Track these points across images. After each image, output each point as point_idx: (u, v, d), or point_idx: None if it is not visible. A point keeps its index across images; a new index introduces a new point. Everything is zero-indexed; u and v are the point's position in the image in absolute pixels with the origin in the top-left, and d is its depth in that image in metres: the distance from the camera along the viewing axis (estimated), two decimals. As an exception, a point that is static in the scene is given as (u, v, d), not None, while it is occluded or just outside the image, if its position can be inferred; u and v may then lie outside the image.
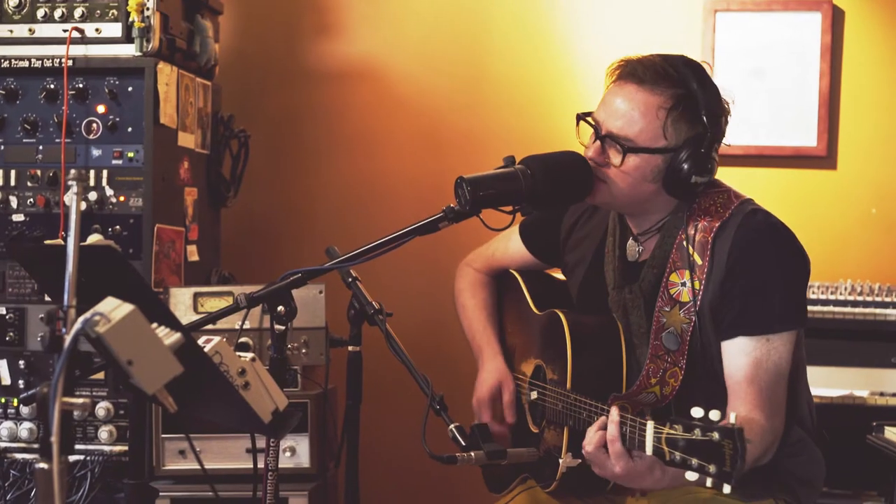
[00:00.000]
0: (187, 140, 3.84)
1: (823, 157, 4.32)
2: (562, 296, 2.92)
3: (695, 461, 2.00)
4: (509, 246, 3.07)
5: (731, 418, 1.98)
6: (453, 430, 2.41)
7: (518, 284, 3.02)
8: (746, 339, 2.50)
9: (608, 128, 2.55)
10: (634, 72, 2.55)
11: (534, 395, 2.82)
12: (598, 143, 2.57)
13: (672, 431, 2.06)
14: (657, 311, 2.58)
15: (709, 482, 1.98)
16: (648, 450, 2.13)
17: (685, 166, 2.51)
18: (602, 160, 2.57)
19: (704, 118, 2.53)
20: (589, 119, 2.62)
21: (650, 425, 2.13)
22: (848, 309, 3.87)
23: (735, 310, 2.51)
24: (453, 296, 3.19)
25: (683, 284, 2.56)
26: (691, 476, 2.01)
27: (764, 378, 2.47)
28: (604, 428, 2.31)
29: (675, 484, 2.30)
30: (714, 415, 2.00)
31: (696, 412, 2.03)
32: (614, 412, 2.30)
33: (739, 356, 2.50)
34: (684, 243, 2.57)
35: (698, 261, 2.55)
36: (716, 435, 1.97)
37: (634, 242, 2.71)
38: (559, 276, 3.04)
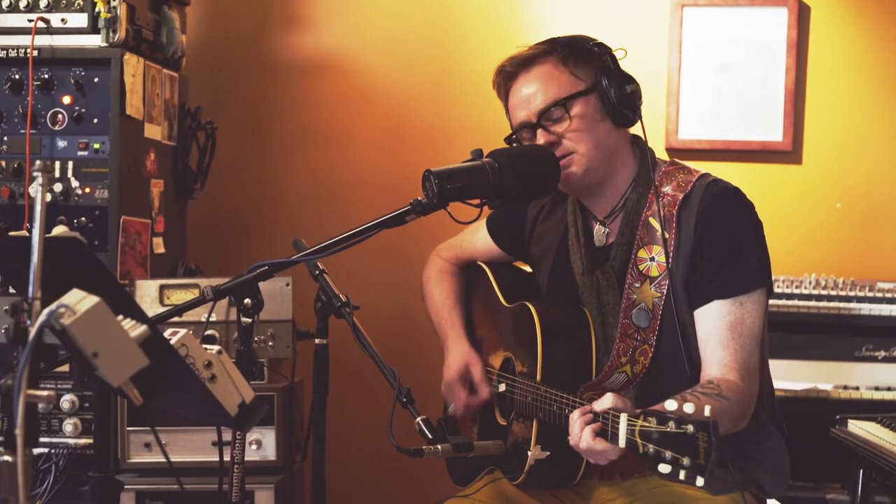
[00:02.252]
0: (154, 132, 3.82)
1: (789, 152, 4.35)
2: (530, 288, 2.93)
3: (668, 454, 2.00)
4: (476, 238, 3.08)
5: (706, 412, 1.99)
6: (420, 422, 2.41)
7: (487, 277, 3.03)
8: (721, 302, 2.53)
9: (535, 110, 2.66)
10: (515, 65, 2.72)
11: (502, 387, 2.82)
12: (539, 130, 2.67)
13: (646, 424, 2.06)
14: (627, 287, 2.61)
15: (682, 475, 1.98)
16: (621, 442, 2.14)
17: (614, 86, 2.64)
18: (554, 137, 2.64)
19: (594, 48, 2.68)
20: (520, 132, 2.72)
21: (623, 417, 2.13)
22: (812, 303, 3.89)
23: (708, 275, 2.55)
24: (420, 284, 3.19)
25: (652, 259, 2.60)
26: (664, 469, 2.01)
27: (738, 341, 2.50)
28: (588, 423, 2.29)
29: None
30: (688, 407, 2.01)
31: (671, 405, 2.04)
32: (576, 416, 2.29)
33: (714, 320, 2.53)
34: (650, 219, 2.62)
35: (665, 234, 2.58)
36: (690, 428, 1.97)
37: (601, 227, 2.74)
38: (527, 268, 3.05)
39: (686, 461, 1.97)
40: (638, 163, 2.71)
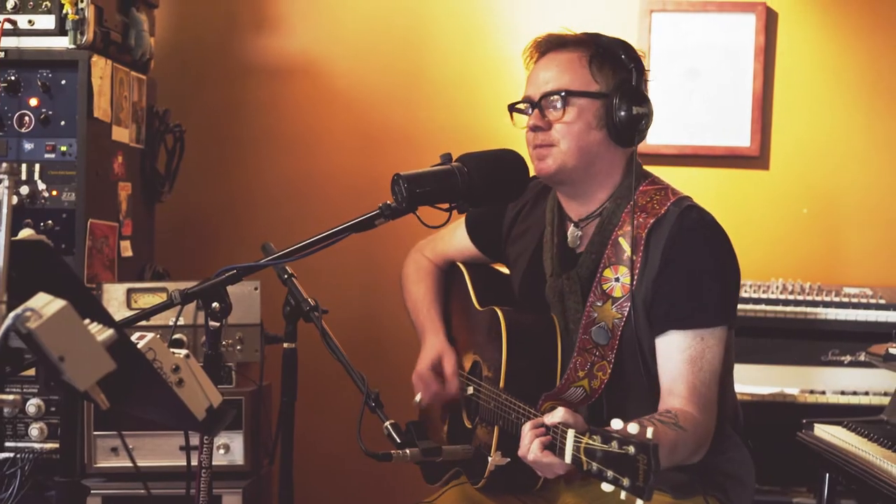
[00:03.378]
0: (121, 134, 3.80)
1: (756, 157, 4.37)
2: (505, 292, 2.94)
3: (610, 473, 2.02)
4: (455, 236, 3.09)
5: (648, 433, 2.01)
6: (388, 427, 2.41)
7: (463, 278, 3.03)
8: (681, 334, 2.53)
9: (542, 90, 2.67)
10: (548, 42, 2.73)
11: (470, 390, 2.83)
12: (535, 110, 2.68)
13: (591, 442, 2.07)
14: (589, 305, 2.61)
15: (623, 495, 2.00)
16: (567, 458, 2.15)
17: (624, 103, 2.62)
18: (544, 123, 2.66)
19: (624, 58, 2.67)
20: (519, 104, 2.74)
21: (570, 433, 2.14)
22: (779, 308, 3.92)
23: (668, 304, 2.55)
24: (399, 279, 3.19)
25: (617, 280, 2.60)
26: (607, 487, 2.03)
27: (698, 376, 2.51)
28: (538, 436, 2.31)
29: None
30: (632, 428, 2.02)
31: (616, 423, 2.06)
32: (527, 428, 2.31)
33: (674, 353, 2.53)
34: (620, 239, 2.61)
35: (632, 256, 2.58)
36: (631, 449, 1.98)
37: (575, 228, 2.74)
38: (504, 270, 3.06)
39: (626, 482, 1.99)
40: (623, 178, 2.70)
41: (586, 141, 2.65)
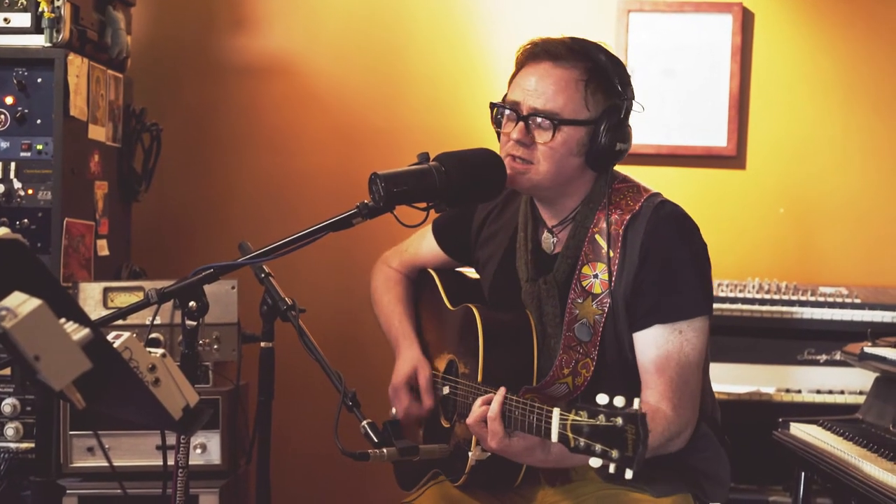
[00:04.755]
0: (98, 133, 3.79)
1: (733, 157, 4.39)
2: (476, 293, 2.94)
3: (598, 447, 2.02)
4: (423, 244, 3.08)
5: (635, 404, 2.01)
6: (366, 426, 2.41)
7: (434, 282, 3.03)
8: (660, 329, 2.54)
9: (531, 106, 2.59)
10: (547, 49, 2.61)
11: (446, 389, 2.83)
12: (521, 123, 2.60)
13: (577, 418, 2.08)
14: (570, 302, 2.61)
15: (612, 468, 2.00)
16: (554, 437, 2.16)
17: (608, 136, 2.58)
18: (528, 140, 2.60)
19: (618, 86, 2.61)
20: (505, 104, 2.66)
21: (556, 412, 2.15)
22: (756, 307, 3.93)
23: (650, 299, 2.56)
24: (369, 293, 3.18)
25: (595, 276, 2.60)
26: (595, 462, 2.02)
27: (675, 369, 2.52)
28: (488, 403, 2.40)
29: (561, 465, 2.48)
30: (619, 401, 2.02)
31: (602, 399, 2.05)
32: (502, 390, 2.40)
33: (650, 348, 2.55)
34: (596, 236, 2.62)
35: (610, 252, 2.59)
36: (619, 420, 1.99)
37: (550, 234, 2.73)
38: (473, 274, 3.06)
39: (615, 454, 1.99)
40: (594, 183, 2.68)
41: (564, 166, 2.61)
